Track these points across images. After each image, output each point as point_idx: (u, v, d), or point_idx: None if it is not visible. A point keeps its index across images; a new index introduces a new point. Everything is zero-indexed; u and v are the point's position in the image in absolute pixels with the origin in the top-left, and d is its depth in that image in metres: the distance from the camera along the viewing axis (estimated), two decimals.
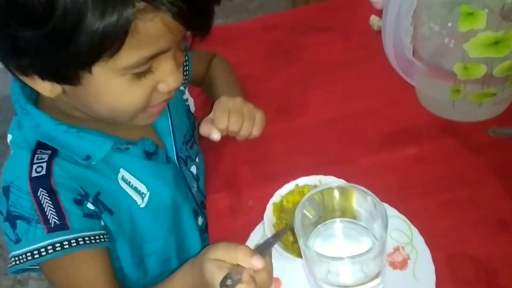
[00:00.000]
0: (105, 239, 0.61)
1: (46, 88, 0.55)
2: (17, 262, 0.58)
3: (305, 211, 0.49)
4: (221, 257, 0.51)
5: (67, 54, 0.48)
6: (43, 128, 0.60)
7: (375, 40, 0.77)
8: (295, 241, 0.59)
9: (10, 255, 0.58)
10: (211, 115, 0.72)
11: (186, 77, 0.82)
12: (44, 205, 0.57)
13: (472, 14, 0.60)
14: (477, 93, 0.69)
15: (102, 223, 0.62)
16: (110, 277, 0.62)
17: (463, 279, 0.56)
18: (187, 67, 0.82)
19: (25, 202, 0.57)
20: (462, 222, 0.62)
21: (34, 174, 0.57)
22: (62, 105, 0.60)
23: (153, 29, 0.49)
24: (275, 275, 0.59)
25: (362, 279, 0.47)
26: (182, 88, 0.81)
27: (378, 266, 0.46)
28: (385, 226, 0.44)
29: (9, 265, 0.59)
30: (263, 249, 0.53)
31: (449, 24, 0.63)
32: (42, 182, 0.57)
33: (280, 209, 0.63)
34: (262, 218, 0.63)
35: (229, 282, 0.49)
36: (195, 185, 0.74)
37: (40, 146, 0.60)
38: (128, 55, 0.50)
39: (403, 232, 0.61)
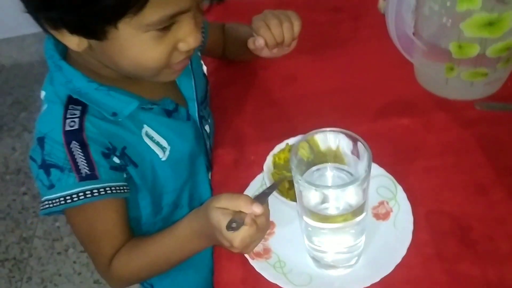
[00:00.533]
0: (126, 190, 0.67)
1: (73, 42, 0.59)
2: (50, 205, 0.63)
3: (300, 152, 0.55)
4: (224, 205, 0.57)
5: (95, 8, 0.52)
6: (75, 84, 0.64)
7: (381, 22, 0.82)
8: (290, 187, 0.66)
9: (43, 199, 0.64)
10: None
11: (203, 42, 0.87)
12: (76, 156, 0.62)
13: None
14: (470, 72, 0.74)
15: (125, 176, 0.67)
16: (125, 225, 0.69)
17: (438, 231, 0.62)
18: (203, 33, 0.87)
19: (59, 153, 0.62)
20: (444, 185, 0.68)
21: (67, 128, 0.62)
22: (90, 61, 0.64)
23: None
24: (270, 219, 0.66)
25: (346, 210, 0.53)
26: (199, 53, 0.87)
27: (360, 198, 0.52)
28: (369, 163, 0.50)
29: (41, 208, 0.65)
30: (261, 198, 0.59)
31: (448, 4, 0.69)
32: (75, 136, 0.62)
33: (273, 165, 0.69)
34: (262, 170, 0.69)
35: (234, 225, 0.55)
36: (208, 143, 0.81)
37: (71, 101, 0.64)
38: (152, 13, 0.54)
39: (389, 189, 0.67)
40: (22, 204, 1.92)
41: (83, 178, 0.62)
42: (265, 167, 0.68)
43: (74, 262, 1.71)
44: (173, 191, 0.75)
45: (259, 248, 0.63)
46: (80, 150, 0.62)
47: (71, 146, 0.62)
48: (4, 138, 2.18)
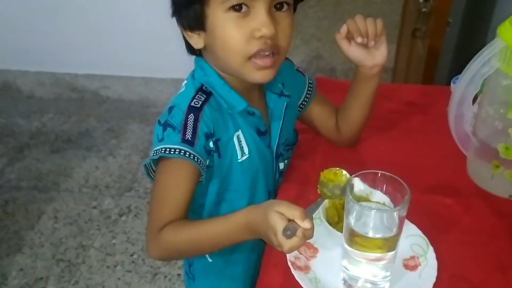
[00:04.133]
0: (205, 170, 0.81)
1: (194, 40, 0.81)
2: (154, 154, 0.79)
3: (352, 188, 0.69)
4: (283, 212, 0.69)
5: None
6: (210, 78, 0.85)
7: (447, 121, 0.96)
8: (339, 221, 0.79)
9: (153, 150, 0.80)
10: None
11: (307, 97, 1.01)
12: (187, 124, 0.79)
13: None
14: None
15: (207, 162, 0.82)
16: (188, 204, 0.81)
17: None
18: (310, 91, 1.01)
19: (178, 117, 0.80)
20: (470, 258, 0.78)
21: (192, 104, 0.81)
22: (211, 65, 0.84)
23: None
24: (315, 245, 0.79)
25: (382, 232, 0.65)
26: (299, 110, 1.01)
27: (395, 227, 0.65)
28: (407, 202, 0.64)
29: (151, 156, 0.79)
30: (310, 212, 0.71)
31: (501, 110, 0.83)
32: (195, 111, 0.81)
33: (318, 181, 0.81)
34: None
35: (288, 232, 0.67)
36: (277, 176, 0.96)
37: (201, 90, 0.84)
38: None
39: (421, 247, 0.78)
40: (90, 216, 2.12)
41: (184, 141, 0.78)
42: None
43: (119, 278, 1.85)
44: (234, 191, 0.89)
45: (301, 263, 0.76)
46: (192, 122, 0.79)
47: (188, 116, 0.80)
48: (91, 157, 2.45)
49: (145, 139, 2.56)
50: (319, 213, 0.81)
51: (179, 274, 1.84)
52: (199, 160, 0.79)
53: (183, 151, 0.77)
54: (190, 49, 0.86)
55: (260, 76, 0.81)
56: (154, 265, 1.88)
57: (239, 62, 0.79)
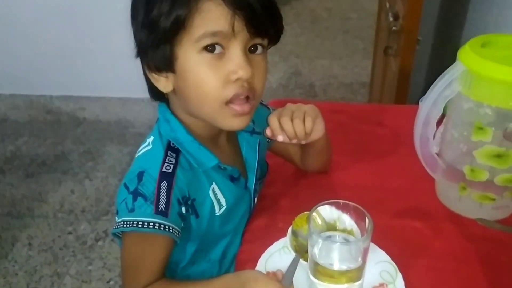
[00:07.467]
0: (179, 236, 0.76)
1: (162, 83, 0.75)
2: (124, 225, 0.74)
3: (315, 220, 0.68)
4: None
5: (158, 30, 0.69)
6: (177, 134, 0.79)
7: None
8: (306, 251, 0.77)
9: (121, 219, 0.75)
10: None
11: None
12: (161, 194, 0.74)
13: (482, 129, 0.79)
14: (479, 194, 0.86)
15: (182, 225, 0.78)
16: (165, 266, 0.78)
17: None
18: None
19: (150, 186, 0.74)
20: (441, 285, 0.77)
21: (164, 170, 0.75)
22: (183, 118, 0.79)
23: (211, 11, 0.67)
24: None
25: (348, 262, 0.64)
26: (268, 141, 0.98)
27: (359, 259, 0.63)
28: (371, 232, 0.63)
29: (116, 226, 0.75)
30: (288, 280, 0.70)
31: (465, 133, 0.83)
32: (167, 178, 0.75)
33: (292, 231, 0.80)
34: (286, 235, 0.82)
35: None
36: (253, 212, 0.93)
37: (169, 148, 0.78)
38: (197, 29, 0.68)
39: (390, 274, 0.77)
40: (65, 242, 2.07)
41: (158, 212, 0.73)
42: (289, 230, 0.81)
43: None
44: (213, 241, 0.86)
45: None
46: (165, 190, 0.74)
47: (161, 184, 0.74)
48: (67, 181, 2.40)
49: (123, 160, 2.52)
50: (286, 243, 0.80)
51: None
52: (174, 229, 0.75)
53: (157, 225, 0.73)
54: (154, 93, 0.80)
55: (236, 123, 0.77)
56: None
57: (215, 108, 0.74)
